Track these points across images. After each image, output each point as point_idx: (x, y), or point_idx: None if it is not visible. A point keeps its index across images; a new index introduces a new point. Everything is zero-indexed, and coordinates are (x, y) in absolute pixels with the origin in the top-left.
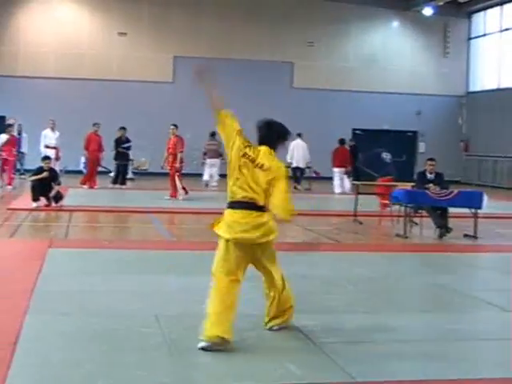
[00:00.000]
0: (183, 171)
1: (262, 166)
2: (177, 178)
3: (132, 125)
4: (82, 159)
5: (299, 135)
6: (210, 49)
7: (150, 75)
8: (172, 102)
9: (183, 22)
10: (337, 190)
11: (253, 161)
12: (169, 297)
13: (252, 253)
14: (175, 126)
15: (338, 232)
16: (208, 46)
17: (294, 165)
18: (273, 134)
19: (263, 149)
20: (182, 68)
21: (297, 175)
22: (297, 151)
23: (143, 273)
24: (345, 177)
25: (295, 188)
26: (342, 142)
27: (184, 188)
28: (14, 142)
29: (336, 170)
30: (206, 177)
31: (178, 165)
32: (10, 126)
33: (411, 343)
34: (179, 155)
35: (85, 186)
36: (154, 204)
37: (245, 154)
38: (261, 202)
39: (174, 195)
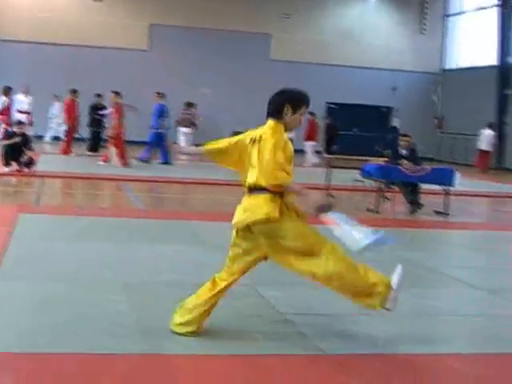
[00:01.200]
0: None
1: (254, 140)
2: (111, 145)
3: (107, 92)
4: (63, 127)
5: None
6: (187, 18)
7: (125, 43)
8: (147, 70)
9: None
10: (308, 162)
11: (253, 141)
12: (138, 265)
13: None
14: (115, 93)
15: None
16: (184, 15)
17: None
18: (276, 102)
19: (266, 124)
20: (158, 36)
21: None
22: None
23: (113, 240)
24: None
25: None
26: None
27: (122, 157)
28: None
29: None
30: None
31: (112, 132)
32: None
33: (380, 318)
34: (113, 122)
35: (72, 154)
36: (126, 172)
37: (250, 141)
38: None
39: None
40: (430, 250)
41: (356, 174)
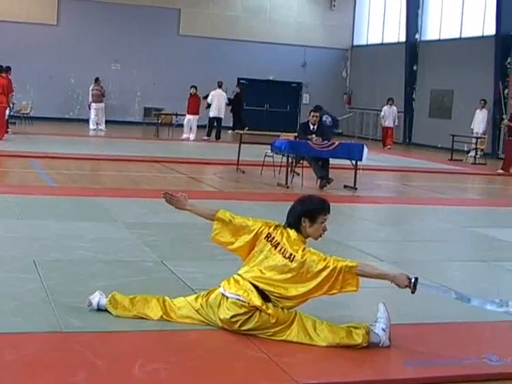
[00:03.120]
0: None
1: (276, 245)
2: None
3: (14, 68)
4: None
5: (220, 84)
6: None
7: (33, 17)
8: (56, 45)
9: None
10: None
11: (275, 246)
12: (48, 242)
13: None
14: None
15: (220, 180)
16: None
17: (213, 115)
18: (294, 213)
19: (290, 234)
20: (67, 11)
21: (214, 125)
22: (218, 100)
23: (22, 218)
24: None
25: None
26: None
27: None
28: None
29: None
30: (92, 121)
31: None
32: None
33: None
34: None
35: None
36: (35, 148)
37: (267, 238)
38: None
39: None
40: (338, 224)
41: (267, 149)
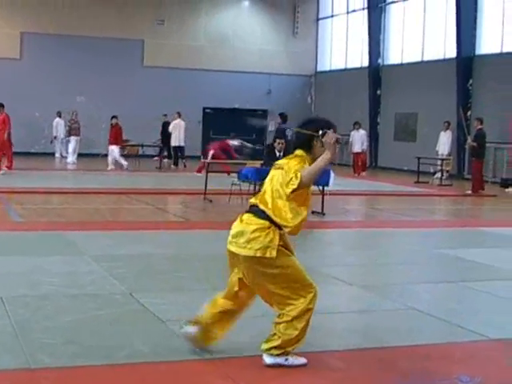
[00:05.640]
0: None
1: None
2: None
3: None
4: None
5: (179, 114)
6: (59, 26)
7: None
8: (19, 79)
9: None
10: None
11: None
12: (15, 278)
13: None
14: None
15: (187, 210)
16: (56, 23)
17: (176, 144)
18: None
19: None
20: (30, 45)
21: (178, 154)
22: (179, 130)
23: None
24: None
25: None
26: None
27: None
28: None
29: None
30: (70, 153)
31: None
32: None
33: (258, 318)
34: None
35: None
36: (2, 183)
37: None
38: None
39: None
40: (306, 250)
41: (234, 177)
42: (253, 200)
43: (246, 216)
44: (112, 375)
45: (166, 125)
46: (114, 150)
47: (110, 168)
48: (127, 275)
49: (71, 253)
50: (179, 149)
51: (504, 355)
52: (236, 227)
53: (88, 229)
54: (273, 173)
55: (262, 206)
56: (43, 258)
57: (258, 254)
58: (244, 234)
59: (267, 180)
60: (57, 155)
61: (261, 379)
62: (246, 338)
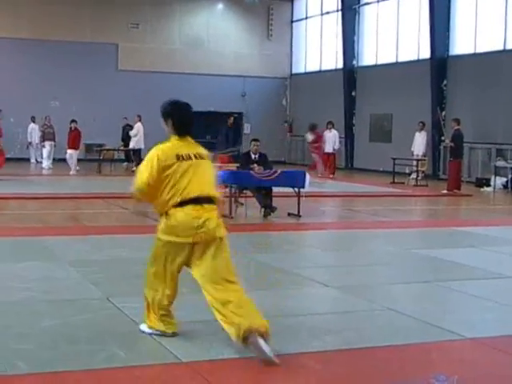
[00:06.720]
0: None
1: (197, 156)
2: None
3: None
4: None
5: (140, 117)
6: (30, 30)
7: None
8: None
9: (1, 2)
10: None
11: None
12: None
13: None
14: None
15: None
16: (28, 28)
17: (137, 146)
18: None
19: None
20: (4, 50)
21: (141, 157)
22: (140, 133)
23: None
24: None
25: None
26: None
27: None
28: None
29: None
30: (45, 159)
31: None
32: None
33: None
34: None
35: None
36: None
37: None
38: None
39: None
40: (283, 252)
41: None
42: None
43: (207, 205)
44: (89, 380)
45: (126, 128)
46: (73, 155)
47: (72, 172)
48: (104, 280)
49: (47, 258)
50: (139, 151)
51: (480, 354)
52: (202, 216)
53: (64, 234)
54: (204, 164)
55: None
56: (18, 264)
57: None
58: (213, 220)
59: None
60: (32, 160)
61: (236, 381)
62: (219, 342)
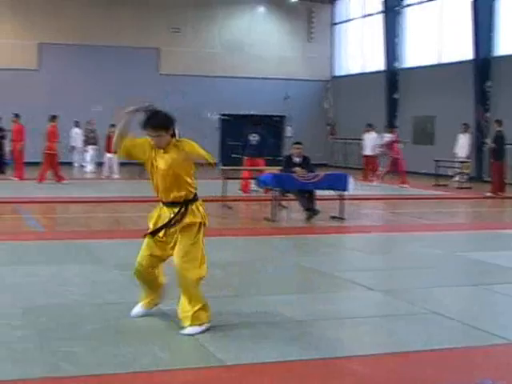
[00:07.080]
0: None
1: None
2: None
3: (2, 113)
4: None
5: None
6: (75, 36)
7: (14, 62)
8: (37, 90)
9: (46, 7)
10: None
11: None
12: (36, 288)
13: None
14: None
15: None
16: (72, 33)
17: None
18: None
19: None
20: (48, 55)
21: None
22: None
23: (12, 264)
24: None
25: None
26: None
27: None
28: None
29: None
30: (89, 163)
31: None
32: None
33: (280, 325)
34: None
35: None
36: (22, 193)
37: None
38: None
39: None
40: (328, 255)
41: (252, 184)
42: None
43: None
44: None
45: None
46: (113, 158)
47: (115, 176)
48: None
49: (92, 262)
50: None
51: None
52: None
53: (109, 237)
54: None
55: None
56: (63, 267)
57: None
58: None
59: None
60: (75, 164)
61: None
62: (263, 344)
